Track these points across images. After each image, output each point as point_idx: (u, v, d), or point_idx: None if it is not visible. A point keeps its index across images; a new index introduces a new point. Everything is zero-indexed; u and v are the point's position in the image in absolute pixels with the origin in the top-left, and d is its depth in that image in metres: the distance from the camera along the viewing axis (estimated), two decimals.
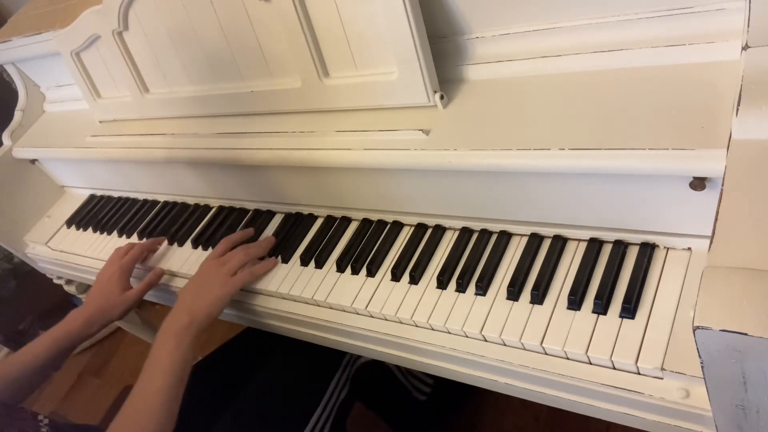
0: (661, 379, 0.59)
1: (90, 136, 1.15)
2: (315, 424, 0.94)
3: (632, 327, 0.63)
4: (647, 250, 0.68)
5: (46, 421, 0.80)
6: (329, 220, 0.94)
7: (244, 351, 1.09)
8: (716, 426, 0.54)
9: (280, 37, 0.83)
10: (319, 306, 0.85)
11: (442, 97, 0.76)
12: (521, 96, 0.73)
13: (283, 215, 1.00)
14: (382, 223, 0.89)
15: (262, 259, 0.93)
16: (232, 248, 0.93)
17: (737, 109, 0.51)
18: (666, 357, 0.59)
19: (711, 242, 0.46)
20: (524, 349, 0.67)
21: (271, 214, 1.02)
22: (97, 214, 1.26)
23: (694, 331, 0.42)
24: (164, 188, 1.16)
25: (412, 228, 0.86)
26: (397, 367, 1.21)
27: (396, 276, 0.81)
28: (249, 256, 0.90)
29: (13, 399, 0.87)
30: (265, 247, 0.93)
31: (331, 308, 0.84)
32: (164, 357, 0.78)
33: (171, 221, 1.12)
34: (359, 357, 1.05)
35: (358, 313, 0.81)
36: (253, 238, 0.98)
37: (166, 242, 1.08)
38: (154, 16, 0.94)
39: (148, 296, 1.09)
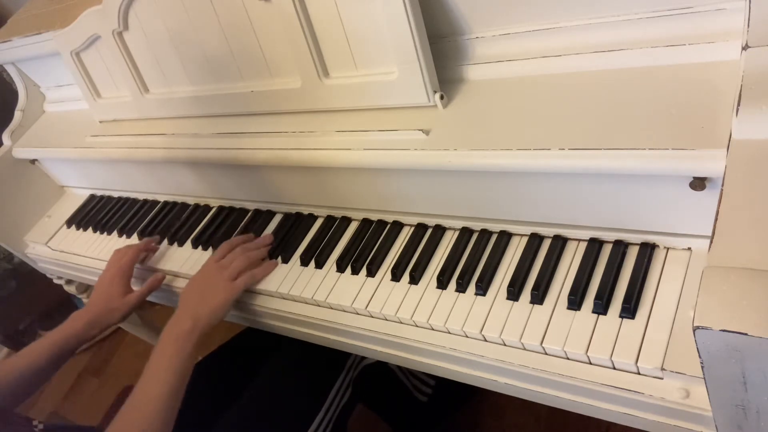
0: (661, 379, 0.59)
1: (90, 136, 1.15)
2: (317, 427, 0.94)
3: (632, 327, 0.63)
4: (647, 250, 0.68)
5: (41, 426, 0.80)
6: (329, 220, 0.94)
7: (245, 351, 1.09)
8: (716, 426, 0.54)
9: (280, 37, 0.83)
10: (319, 306, 0.85)
11: (442, 97, 0.76)
12: (521, 96, 0.73)
13: (282, 215, 1.00)
14: (382, 223, 0.89)
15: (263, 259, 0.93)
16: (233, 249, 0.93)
17: (737, 109, 0.51)
18: (666, 357, 0.59)
19: (711, 242, 0.46)
20: (524, 349, 0.67)
21: (271, 214, 1.02)
22: (97, 214, 1.26)
23: (694, 331, 0.42)
24: (164, 188, 1.16)
25: (412, 228, 0.86)
26: (399, 367, 1.21)
27: (396, 276, 0.81)
28: (249, 260, 0.90)
29: (11, 402, 0.87)
30: (264, 249, 0.93)
31: (331, 308, 0.84)
32: (166, 362, 0.78)
33: (171, 221, 1.12)
34: (362, 360, 1.05)
35: (358, 313, 0.81)
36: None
37: (166, 242, 1.08)
38: (154, 16, 0.94)
39: (149, 297, 1.09)
